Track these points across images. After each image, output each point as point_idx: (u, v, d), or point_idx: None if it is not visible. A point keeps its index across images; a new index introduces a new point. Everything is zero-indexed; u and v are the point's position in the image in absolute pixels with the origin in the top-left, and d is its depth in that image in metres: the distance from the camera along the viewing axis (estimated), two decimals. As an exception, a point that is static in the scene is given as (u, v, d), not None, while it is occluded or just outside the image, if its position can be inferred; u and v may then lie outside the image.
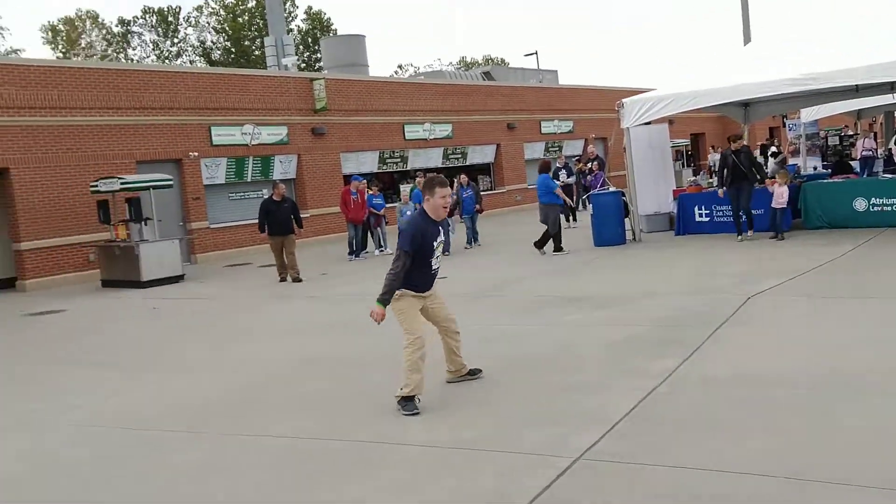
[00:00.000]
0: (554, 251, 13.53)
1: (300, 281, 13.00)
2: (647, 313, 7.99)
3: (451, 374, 6.04)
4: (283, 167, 20.44)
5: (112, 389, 6.90)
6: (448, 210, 5.67)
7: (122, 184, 14.51)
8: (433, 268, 5.60)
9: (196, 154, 18.38)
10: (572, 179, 19.47)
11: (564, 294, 9.55)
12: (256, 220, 13.83)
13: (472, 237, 16.24)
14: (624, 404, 5.10)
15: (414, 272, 5.45)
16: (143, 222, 14.61)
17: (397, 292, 5.40)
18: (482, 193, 26.00)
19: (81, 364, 8.15)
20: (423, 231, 5.48)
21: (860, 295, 7.94)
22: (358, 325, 8.86)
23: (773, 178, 13.45)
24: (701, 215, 14.56)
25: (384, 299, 5.29)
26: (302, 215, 20.35)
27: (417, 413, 5.28)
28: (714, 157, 26.53)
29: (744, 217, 12.94)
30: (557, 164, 19.68)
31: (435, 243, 5.55)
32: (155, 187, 14.97)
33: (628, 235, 14.36)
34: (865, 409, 4.64)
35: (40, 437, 5.64)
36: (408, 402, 5.34)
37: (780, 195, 12.61)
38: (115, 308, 12.19)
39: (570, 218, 18.76)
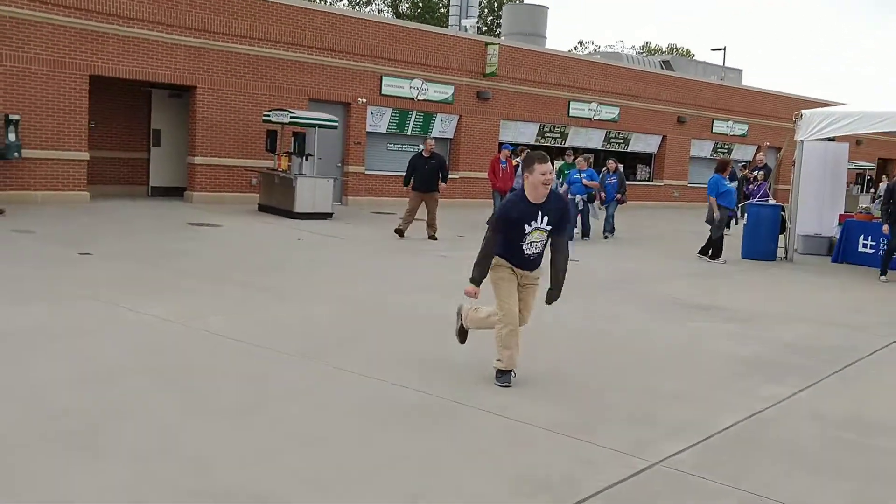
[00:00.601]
0: (710, 257, 12.88)
1: (435, 239, 13.22)
2: (776, 335, 7.63)
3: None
4: (444, 125, 20.81)
5: (241, 305, 7.44)
6: (548, 188, 5.16)
7: (291, 117, 15.33)
8: (526, 254, 5.27)
9: (364, 100, 19.06)
10: (733, 185, 18.58)
11: (696, 300, 9.27)
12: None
13: (608, 228, 15.64)
14: (722, 421, 4.96)
15: (510, 249, 5.28)
16: (304, 157, 15.38)
17: (495, 262, 5.32)
18: (638, 183, 25.61)
19: (216, 278, 8.81)
20: (513, 212, 5.17)
21: None
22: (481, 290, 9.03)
23: None
24: (865, 245, 13.57)
25: (474, 279, 5.20)
26: (451, 176, 20.88)
27: (509, 386, 5.36)
28: (883, 188, 24.41)
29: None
30: (722, 168, 18.82)
31: (528, 227, 5.15)
32: (321, 126, 15.70)
33: (780, 253, 13.64)
34: None
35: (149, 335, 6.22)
36: (503, 375, 5.41)
37: None
38: (265, 232, 13.01)
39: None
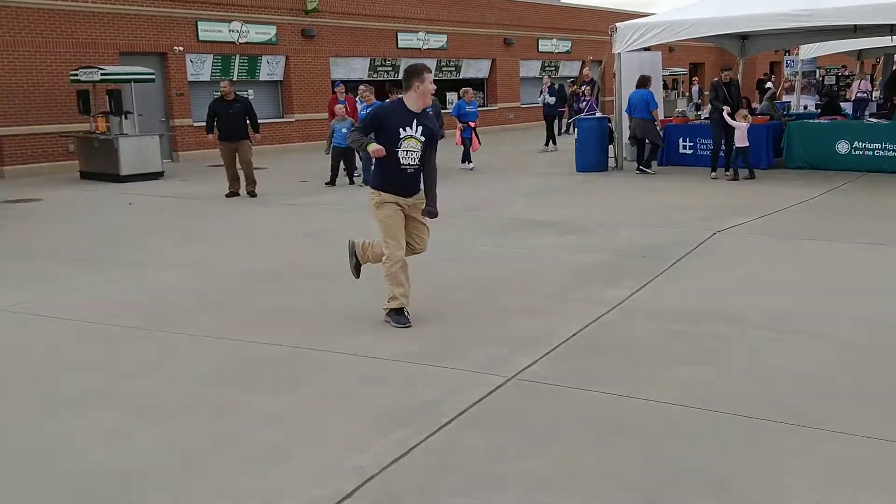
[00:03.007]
0: (643, 166, 13.49)
1: (255, 196, 11.95)
2: (612, 242, 8.09)
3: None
4: (271, 68, 20.08)
5: (72, 283, 6.99)
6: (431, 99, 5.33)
7: (102, 74, 14.27)
8: (401, 164, 5.22)
9: (181, 49, 18.00)
10: (552, 100, 19.27)
11: (537, 217, 9.62)
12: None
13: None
14: (568, 329, 5.23)
15: (384, 165, 5.24)
16: (123, 115, 14.42)
17: (378, 199, 5.28)
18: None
19: (41, 256, 8.21)
20: (386, 113, 5.23)
21: (821, 238, 8.04)
22: (330, 235, 8.95)
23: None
24: (685, 147, 14.52)
25: (369, 145, 5.12)
26: (287, 120, 20.32)
27: (409, 325, 5.34)
28: (695, 90, 26.24)
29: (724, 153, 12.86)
30: (544, 85, 19.45)
31: (402, 132, 5.15)
32: (136, 80, 14.72)
33: (611, 163, 14.34)
34: (791, 351, 4.80)
35: (-1, 324, 5.76)
36: (398, 315, 5.38)
37: (740, 134, 12.28)
38: (91, 201, 12.18)
39: (550, 141, 18.69)
